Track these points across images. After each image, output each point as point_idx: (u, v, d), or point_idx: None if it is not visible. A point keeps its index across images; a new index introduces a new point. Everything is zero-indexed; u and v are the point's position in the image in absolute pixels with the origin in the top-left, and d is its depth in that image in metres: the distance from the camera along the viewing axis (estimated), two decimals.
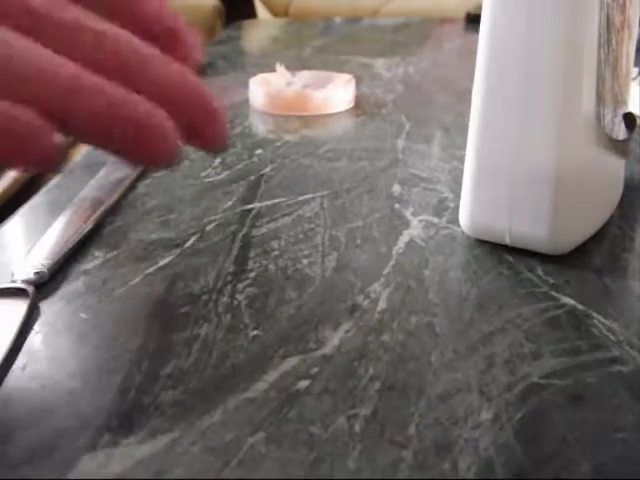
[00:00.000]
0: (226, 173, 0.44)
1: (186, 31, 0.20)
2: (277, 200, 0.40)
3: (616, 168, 0.36)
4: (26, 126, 0.17)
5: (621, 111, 0.34)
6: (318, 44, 0.89)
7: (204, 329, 0.27)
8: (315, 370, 0.25)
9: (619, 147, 0.34)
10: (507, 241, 0.33)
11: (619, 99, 0.33)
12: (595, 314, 0.28)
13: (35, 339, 0.27)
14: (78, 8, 0.18)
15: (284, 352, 0.26)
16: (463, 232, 0.35)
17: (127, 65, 0.18)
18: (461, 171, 0.34)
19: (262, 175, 0.43)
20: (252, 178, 0.43)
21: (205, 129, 0.20)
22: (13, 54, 0.17)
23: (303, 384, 0.24)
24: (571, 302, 0.29)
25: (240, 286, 0.31)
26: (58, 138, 0.17)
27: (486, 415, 0.23)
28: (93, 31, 0.18)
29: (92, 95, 0.17)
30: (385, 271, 0.32)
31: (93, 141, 0.18)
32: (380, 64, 0.74)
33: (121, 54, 0.18)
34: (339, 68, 0.67)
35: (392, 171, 0.44)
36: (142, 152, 0.18)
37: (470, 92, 0.32)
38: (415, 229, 0.36)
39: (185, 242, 0.35)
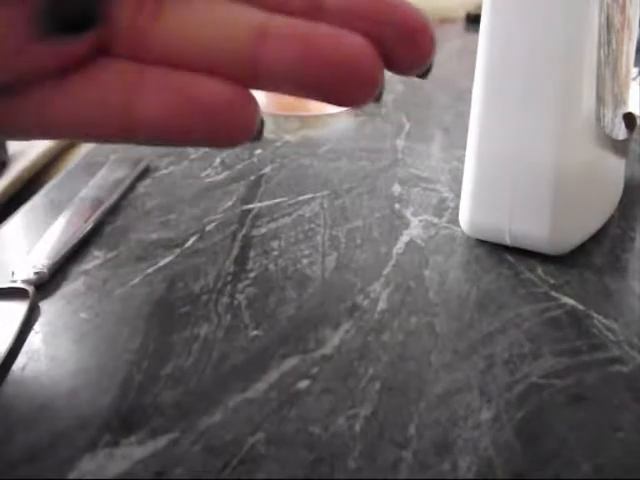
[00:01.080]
0: (226, 173, 0.44)
1: None
2: (277, 200, 0.40)
3: (616, 168, 0.36)
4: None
5: (621, 111, 0.34)
6: None
7: (204, 329, 0.27)
8: (315, 370, 0.25)
9: (619, 147, 0.34)
10: (507, 241, 0.33)
11: (619, 99, 0.33)
12: (595, 314, 0.28)
13: (35, 339, 0.27)
14: None
15: (284, 352, 0.26)
16: (463, 232, 0.35)
17: None
18: (461, 171, 0.34)
19: (262, 175, 0.43)
20: (252, 178, 0.43)
21: (405, 52, 0.16)
22: None
23: (303, 384, 0.24)
24: (571, 302, 0.29)
25: (240, 286, 0.31)
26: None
27: (486, 415, 0.23)
28: None
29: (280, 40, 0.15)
30: (385, 271, 0.32)
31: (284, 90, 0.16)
32: None
33: None
34: None
35: (392, 171, 0.44)
36: (345, 89, 0.15)
37: (470, 92, 0.32)
38: (415, 229, 0.36)
39: (185, 242, 0.35)
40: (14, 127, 0.16)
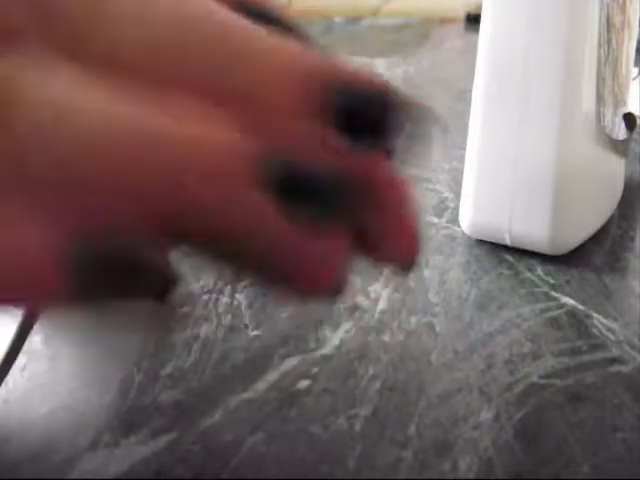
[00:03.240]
0: None
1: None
2: None
3: (616, 168, 0.36)
4: None
5: (621, 111, 0.34)
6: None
7: (204, 329, 0.27)
8: (315, 370, 0.25)
9: (619, 147, 0.34)
10: (507, 241, 0.33)
11: (619, 99, 0.33)
12: (595, 314, 0.28)
13: (35, 339, 0.27)
14: None
15: (284, 352, 0.26)
16: (463, 232, 0.35)
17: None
18: (461, 171, 0.34)
19: None
20: None
21: (389, 241, 0.13)
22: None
23: (303, 384, 0.24)
24: (571, 302, 0.29)
25: (240, 286, 0.31)
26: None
27: (486, 415, 0.23)
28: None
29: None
30: (385, 271, 0.32)
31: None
32: (380, 64, 0.74)
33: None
34: None
35: None
36: (289, 273, 0.12)
37: (470, 92, 0.32)
38: None
39: None
40: None
